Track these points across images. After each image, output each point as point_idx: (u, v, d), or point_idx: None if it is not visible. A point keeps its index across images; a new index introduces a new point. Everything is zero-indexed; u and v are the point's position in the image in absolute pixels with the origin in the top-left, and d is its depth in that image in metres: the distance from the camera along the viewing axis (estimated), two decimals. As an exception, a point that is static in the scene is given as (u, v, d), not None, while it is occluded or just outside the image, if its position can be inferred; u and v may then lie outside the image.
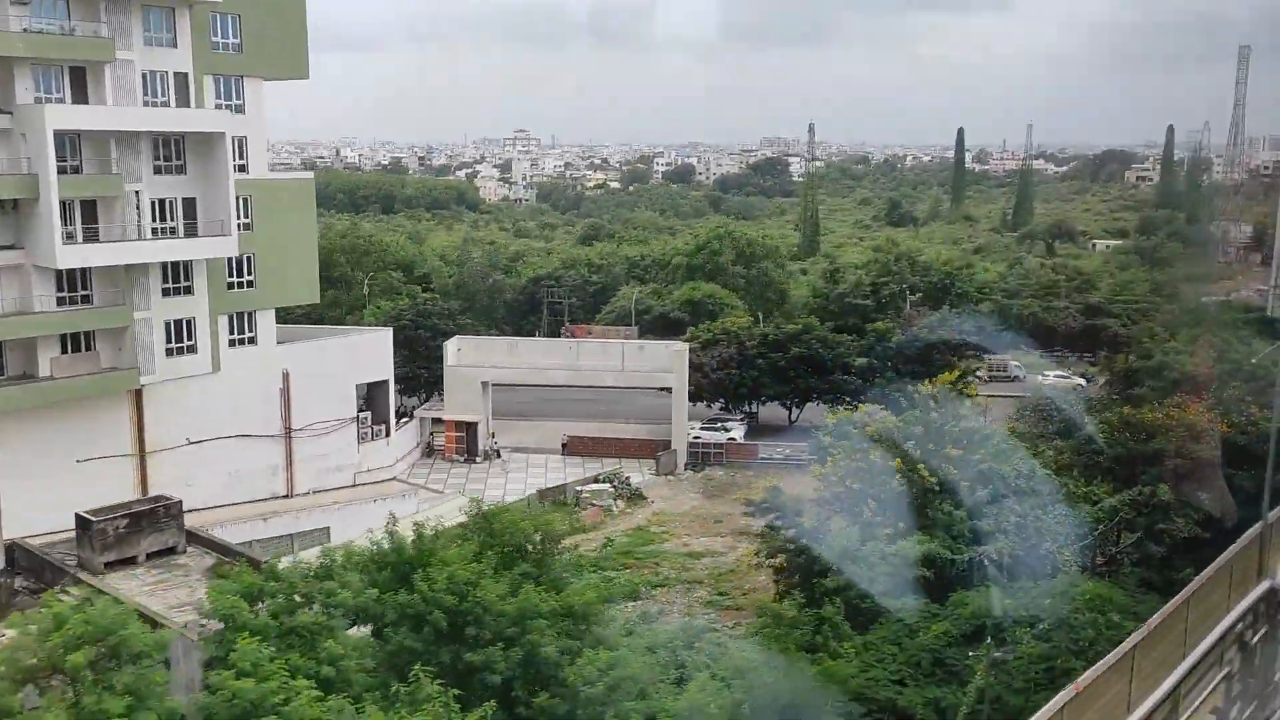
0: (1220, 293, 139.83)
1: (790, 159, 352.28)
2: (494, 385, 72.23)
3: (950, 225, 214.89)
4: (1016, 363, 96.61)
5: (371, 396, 62.91)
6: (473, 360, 69.74)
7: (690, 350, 76.10)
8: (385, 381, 62.59)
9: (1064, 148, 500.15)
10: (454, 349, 69.57)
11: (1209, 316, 74.14)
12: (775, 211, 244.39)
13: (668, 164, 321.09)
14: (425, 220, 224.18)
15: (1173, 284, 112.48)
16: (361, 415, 61.38)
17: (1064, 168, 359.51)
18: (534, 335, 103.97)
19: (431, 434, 69.80)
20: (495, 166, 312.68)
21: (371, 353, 61.83)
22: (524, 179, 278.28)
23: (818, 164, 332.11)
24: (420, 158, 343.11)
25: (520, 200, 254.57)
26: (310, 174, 68.23)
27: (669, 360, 67.70)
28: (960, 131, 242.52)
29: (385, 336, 63.07)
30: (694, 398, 76.73)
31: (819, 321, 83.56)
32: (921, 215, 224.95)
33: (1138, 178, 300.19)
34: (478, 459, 67.98)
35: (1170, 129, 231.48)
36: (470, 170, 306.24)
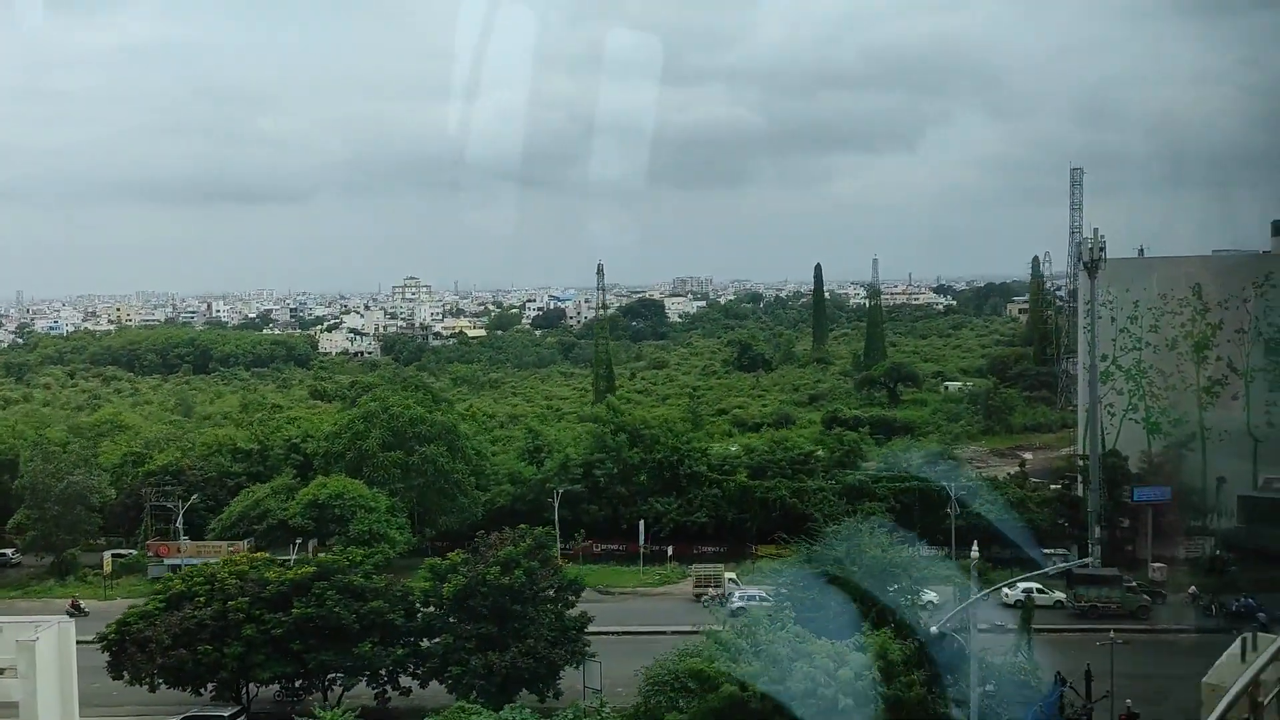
0: (1052, 446, 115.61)
1: (675, 299, 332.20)
2: None
3: (801, 368, 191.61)
4: (733, 576, 70.10)
5: None
6: None
7: (144, 615, 49.10)
8: None
9: (973, 280, 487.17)
10: None
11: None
12: (630, 358, 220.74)
13: (539, 309, 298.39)
14: (239, 379, 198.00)
15: (950, 448, 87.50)
16: None
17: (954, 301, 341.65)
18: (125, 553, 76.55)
19: None
20: (361, 317, 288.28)
21: None
22: (376, 329, 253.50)
23: (607, 310, 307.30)
24: (293, 310, 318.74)
25: (361, 354, 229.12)
26: None
27: (27, 656, 40.36)
28: (818, 267, 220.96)
29: None
30: (180, 683, 49.35)
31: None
32: (775, 357, 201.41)
33: (1019, 310, 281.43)
34: None
35: (1035, 259, 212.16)
36: (332, 323, 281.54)
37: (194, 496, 79.72)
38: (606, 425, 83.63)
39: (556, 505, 64.37)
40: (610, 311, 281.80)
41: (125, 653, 47.80)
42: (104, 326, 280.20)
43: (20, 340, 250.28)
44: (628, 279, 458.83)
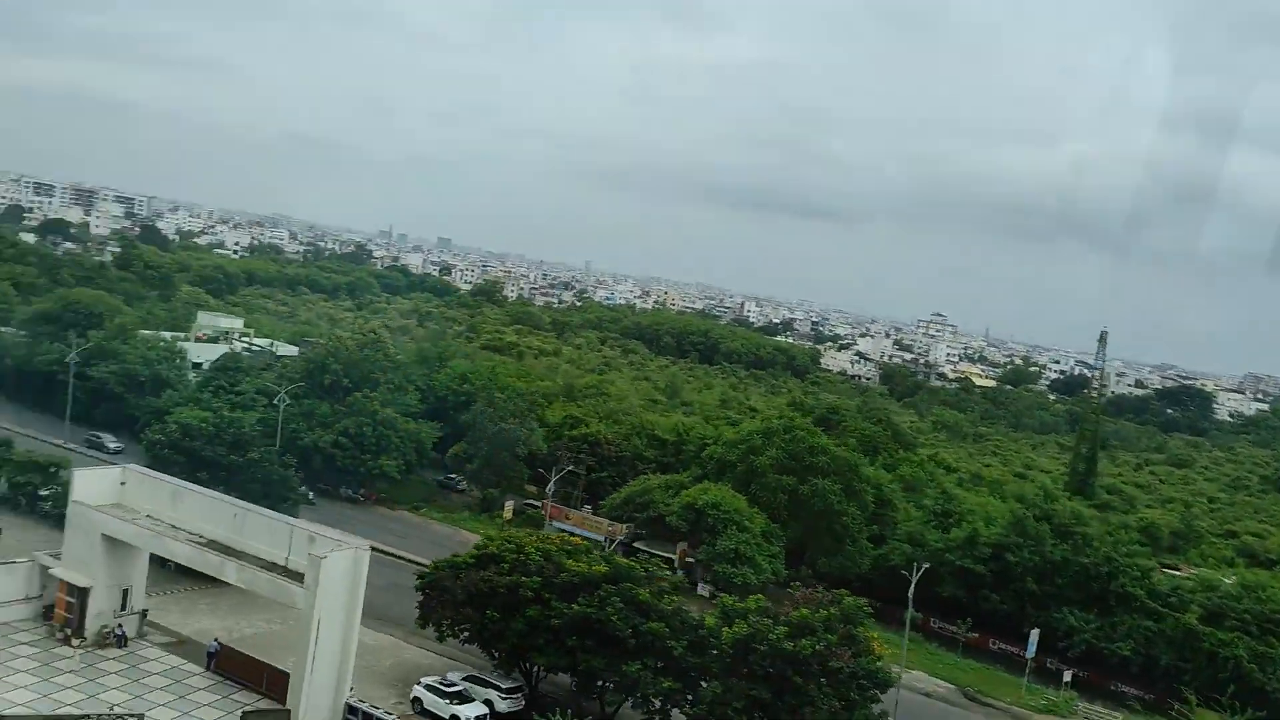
0: None
1: (1233, 395, 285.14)
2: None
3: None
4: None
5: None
6: (126, 500, 48.87)
7: (454, 566, 49.26)
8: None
9: None
10: (100, 481, 48.83)
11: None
12: (1149, 447, 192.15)
13: (1062, 372, 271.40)
14: (736, 376, 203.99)
15: None
16: None
17: None
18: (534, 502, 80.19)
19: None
20: (874, 341, 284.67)
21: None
22: (882, 356, 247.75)
23: (1107, 386, 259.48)
24: (814, 323, 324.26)
25: (859, 377, 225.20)
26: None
27: (314, 570, 41.68)
28: None
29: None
30: (473, 640, 48.98)
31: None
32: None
33: None
34: (77, 641, 46.46)
35: None
36: (846, 342, 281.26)
37: (603, 471, 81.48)
38: (1031, 509, 71.03)
39: (914, 581, 54.69)
40: (1144, 392, 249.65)
41: (429, 598, 48.52)
42: (647, 305, 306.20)
43: (577, 303, 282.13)
44: (1184, 362, 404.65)
